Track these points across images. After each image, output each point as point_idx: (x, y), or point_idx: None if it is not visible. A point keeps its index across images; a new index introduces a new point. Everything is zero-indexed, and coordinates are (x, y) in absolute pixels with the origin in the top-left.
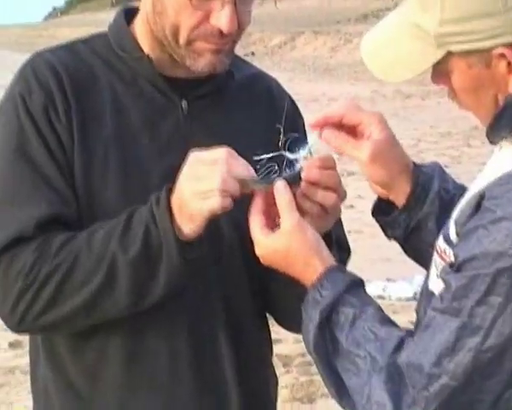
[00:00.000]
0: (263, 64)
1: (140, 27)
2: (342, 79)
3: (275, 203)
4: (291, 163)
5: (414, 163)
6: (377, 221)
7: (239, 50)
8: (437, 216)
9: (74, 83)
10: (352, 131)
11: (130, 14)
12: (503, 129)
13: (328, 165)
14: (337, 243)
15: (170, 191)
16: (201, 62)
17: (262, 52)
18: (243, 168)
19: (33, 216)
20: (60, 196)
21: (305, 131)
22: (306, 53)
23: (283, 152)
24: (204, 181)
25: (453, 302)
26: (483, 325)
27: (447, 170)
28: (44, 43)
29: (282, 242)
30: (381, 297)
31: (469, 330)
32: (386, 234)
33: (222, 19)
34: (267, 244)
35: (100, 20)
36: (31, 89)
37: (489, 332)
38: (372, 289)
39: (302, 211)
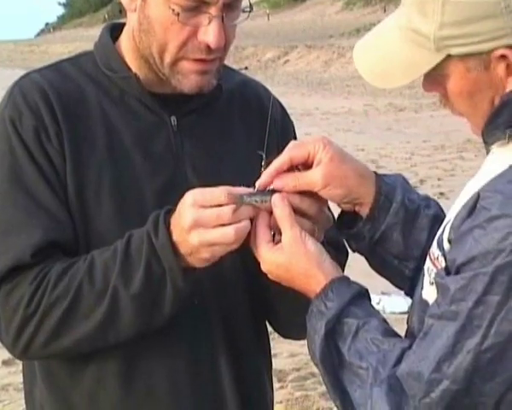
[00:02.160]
0: (256, 79)
1: (126, 44)
2: (335, 93)
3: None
4: None
5: (376, 174)
6: (342, 235)
7: (232, 65)
8: (402, 227)
9: (64, 104)
10: (306, 166)
11: (116, 29)
12: (499, 128)
13: (310, 187)
14: (333, 244)
15: (167, 216)
16: (187, 84)
17: (255, 66)
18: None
19: (29, 244)
20: (55, 220)
21: (295, 134)
22: (299, 67)
23: None
24: (214, 232)
25: (451, 306)
26: (481, 325)
27: (441, 183)
28: (37, 58)
29: (284, 256)
30: None
31: (468, 331)
32: (350, 247)
33: (209, 33)
34: (271, 259)
35: (92, 36)
36: (20, 112)
37: (488, 332)
38: None
39: (304, 216)
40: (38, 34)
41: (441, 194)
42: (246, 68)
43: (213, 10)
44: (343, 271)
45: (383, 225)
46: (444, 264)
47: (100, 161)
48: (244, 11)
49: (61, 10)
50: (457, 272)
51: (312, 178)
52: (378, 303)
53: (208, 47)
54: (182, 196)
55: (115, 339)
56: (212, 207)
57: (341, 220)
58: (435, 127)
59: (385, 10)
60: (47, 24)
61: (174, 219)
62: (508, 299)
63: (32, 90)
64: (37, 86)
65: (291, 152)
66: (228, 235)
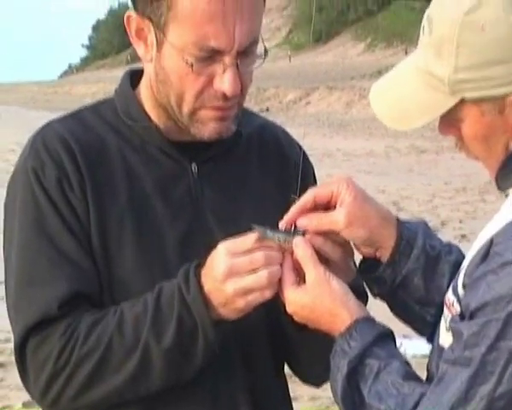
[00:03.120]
0: (277, 120)
1: (145, 93)
2: (357, 134)
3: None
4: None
5: (398, 219)
6: (363, 279)
7: (253, 106)
8: (423, 272)
9: (85, 153)
10: (328, 206)
11: (136, 75)
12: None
13: (336, 238)
14: (353, 288)
15: (198, 268)
16: (206, 131)
17: (277, 108)
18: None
19: (56, 296)
20: (80, 271)
21: (314, 178)
22: (321, 108)
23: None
24: (248, 278)
25: (464, 351)
26: (494, 371)
27: (462, 225)
28: (60, 100)
29: (308, 296)
30: None
31: (481, 377)
32: (372, 292)
33: (225, 82)
34: (296, 300)
35: (115, 77)
36: (43, 162)
37: (501, 378)
38: None
39: (327, 262)
40: (62, 75)
41: (463, 236)
42: (267, 110)
43: (227, 59)
44: None
45: (404, 270)
46: (459, 309)
47: (121, 209)
48: (260, 57)
49: (84, 52)
50: (471, 317)
51: (335, 218)
52: (399, 346)
53: (225, 95)
54: (203, 241)
55: (146, 391)
56: (244, 254)
57: (363, 265)
58: (457, 169)
59: (406, 52)
60: (70, 65)
61: (205, 271)
62: None
63: (53, 140)
64: (59, 136)
65: (315, 191)
66: (261, 278)
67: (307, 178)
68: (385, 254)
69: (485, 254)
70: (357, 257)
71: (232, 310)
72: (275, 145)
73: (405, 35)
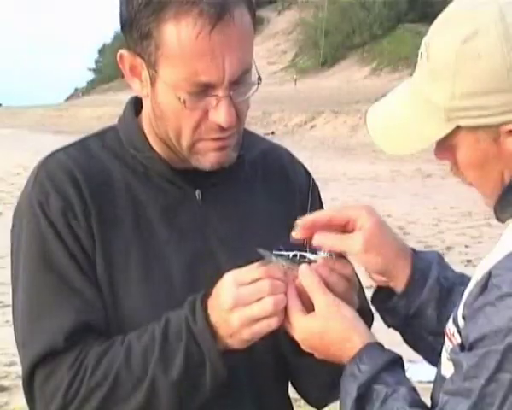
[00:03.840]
0: (283, 143)
1: (147, 123)
2: (362, 158)
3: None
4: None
5: (413, 249)
6: (377, 309)
7: (259, 130)
8: (437, 303)
9: (90, 183)
10: (342, 230)
11: (139, 101)
12: (511, 205)
13: (342, 271)
14: (360, 310)
15: (204, 299)
16: (207, 161)
17: (282, 131)
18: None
19: (62, 328)
20: (86, 302)
21: (320, 200)
22: (326, 132)
23: (305, 253)
24: (253, 307)
25: (464, 382)
26: (493, 403)
27: (468, 250)
28: (65, 123)
29: (318, 322)
30: None
31: (480, 409)
32: (386, 323)
33: (220, 114)
34: (305, 327)
35: (121, 100)
36: (48, 194)
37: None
38: None
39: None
40: (68, 99)
41: (468, 261)
42: (272, 133)
43: (220, 91)
44: None
45: (418, 301)
46: (459, 340)
47: (127, 239)
48: (254, 84)
49: (90, 76)
50: (470, 349)
51: (353, 241)
52: (406, 372)
53: (221, 126)
54: (209, 268)
55: None
56: (249, 284)
57: (376, 295)
58: (462, 193)
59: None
60: (76, 89)
61: (212, 302)
62: None
63: (57, 171)
64: (63, 166)
65: (332, 212)
66: (266, 305)
67: (314, 202)
68: (398, 285)
69: (484, 285)
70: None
71: (239, 340)
72: (279, 169)
73: (411, 59)
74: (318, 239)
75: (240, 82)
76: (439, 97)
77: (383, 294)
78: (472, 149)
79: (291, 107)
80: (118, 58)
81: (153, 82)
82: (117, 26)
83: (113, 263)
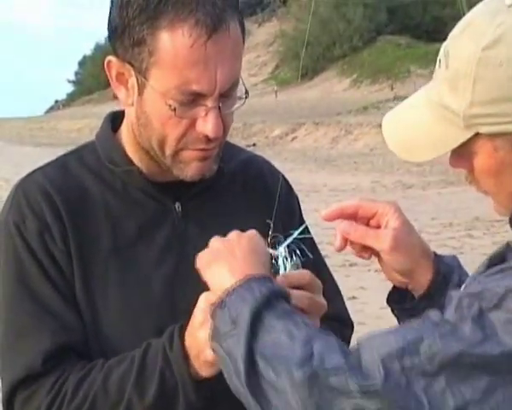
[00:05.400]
0: (264, 155)
1: (126, 136)
2: (343, 169)
3: None
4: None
5: (435, 253)
6: (392, 310)
7: (240, 142)
8: None
9: (68, 204)
10: (366, 222)
11: (118, 118)
12: None
13: (301, 282)
14: (338, 318)
15: (183, 329)
16: (189, 171)
17: (263, 143)
18: None
19: (39, 350)
20: (64, 323)
21: (300, 209)
22: (307, 144)
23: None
24: None
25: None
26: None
27: None
28: (45, 135)
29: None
30: None
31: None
32: (399, 322)
33: (207, 125)
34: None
35: (101, 112)
36: (24, 216)
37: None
38: None
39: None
40: (48, 111)
41: None
42: (254, 145)
43: (209, 102)
44: (348, 345)
45: (439, 304)
46: None
47: (105, 257)
48: (240, 98)
49: (70, 88)
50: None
51: (381, 237)
52: None
53: (207, 137)
54: (189, 283)
55: None
56: None
57: (392, 296)
58: (443, 205)
59: (392, 88)
60: (56, 101)
61: (188, 328)
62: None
63: (34, 192)
64: (40, 187)
65: (361, 202)
66: None
67: (294, 212)
68: (419, 287)
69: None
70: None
71: (204, 362)
72: (259, 180)
73: (391, 71)
74: (346, 228)
75: (228, 94)
76: (458, 105)
77: (399, 295)
78: (490, 157)
79: (272, 118)
80: (105, 64)
81: (140, 89)
82: (98, 38)
83: (92, 285)
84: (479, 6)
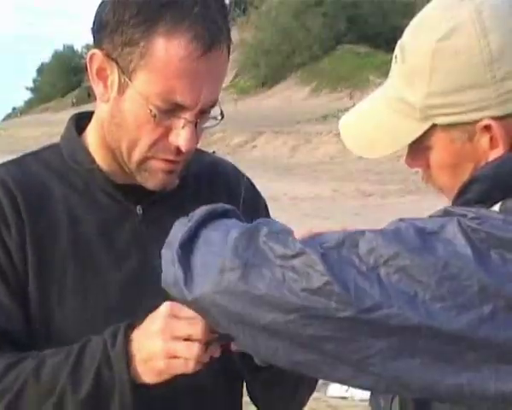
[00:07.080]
0: None
1: (92, 135)
2: (302, 178)
3: None
4: None
5: None
6: None
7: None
8: None
9: (27, 199)
10: None
11: (82, 119)
12: (468, 204)
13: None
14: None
15: (129, 329)
16: (153, 181)
17: (223, 151)
18: None
19: None
20: (4, 311)
21: (266, 210)
22: (267, 152)
23: None
24: (180, 344)
25: None
26: None
27: None
28: (3, 142)
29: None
30: (344, 398)
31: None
32: None
33: (182, 137)
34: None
35: (59, 120)
36: None
37: None
38: (335, 390)
39: None
40: (5, 119)
41: None
42: (214, 153)
43: (189, 115)
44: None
45: None
46: None
47: (63, 255)
48: (216, 118)
49: (28, 95)
50: None
51: None
52: (347, 391)
53: (178, 149)
54: (148, 288)
55: None
56: (185, 319)
57: None
58: (402, 213)
59: (351, 97)
60: (14, 108)
61: (138, 329)
62: None
63: None
64: (1, 182)
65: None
66: (193, 350)
67: (259, 210)
68: None
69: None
70: None
71: (151, 369)
72: (224, 182)
73: (350, 80)
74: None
75: (206, 111)
76: (414, 97)
77: None
78: (446, 150)
79: (232, 127)
80: (88, 56)
81: (122, 89)
82: (56, 46)
83: (48, 282)
84: (432, 2)
